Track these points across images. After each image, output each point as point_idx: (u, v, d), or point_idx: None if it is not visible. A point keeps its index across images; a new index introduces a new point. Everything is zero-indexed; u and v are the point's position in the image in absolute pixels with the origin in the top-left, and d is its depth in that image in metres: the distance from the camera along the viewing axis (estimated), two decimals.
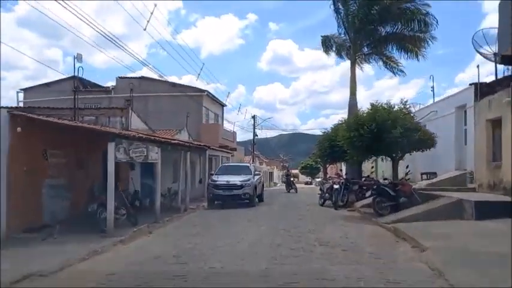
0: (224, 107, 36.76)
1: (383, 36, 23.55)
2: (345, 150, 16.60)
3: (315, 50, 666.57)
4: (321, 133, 22.21)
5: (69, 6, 12.58)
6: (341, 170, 19.80)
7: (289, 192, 29.15)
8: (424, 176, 18.44)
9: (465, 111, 16.21)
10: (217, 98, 33.30)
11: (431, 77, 29.59)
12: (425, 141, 13.85)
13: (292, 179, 32.25)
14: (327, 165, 51.88)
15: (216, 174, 19.11)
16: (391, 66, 24.59)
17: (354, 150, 14.70)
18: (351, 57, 23.85)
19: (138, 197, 16.17)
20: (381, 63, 24.95)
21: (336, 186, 17.31)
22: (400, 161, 15.23)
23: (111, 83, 30.95)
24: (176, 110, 28.81)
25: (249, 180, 18.04)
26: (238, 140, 43.96)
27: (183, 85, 30.19)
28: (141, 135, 12.41)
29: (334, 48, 25.22)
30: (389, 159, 15.04)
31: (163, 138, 14.87)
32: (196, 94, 29.59)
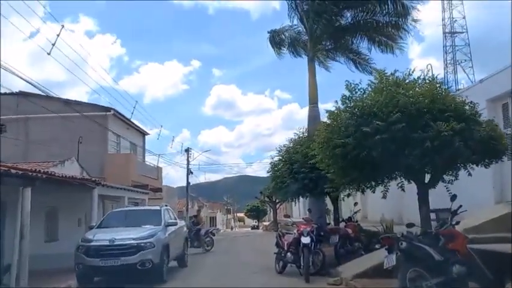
0: (146, 136, 28.76)
1: (347, 25, 17.59)
2: (321, 175, 9.44)
3: (257, 94, 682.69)
4: (271, 164, 14.84)
5: None
6: (309, 211, 12.25)
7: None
8: (433, 215, 11.70)
9: (505, 105, 9.89)
10: (133, 123, 25.30)
11: (429, 66, 23.72)
12: (497, 145, 6.91)
13: (202, 228, 18.42)
14: (278, 206, 44.76)
15: (97, 227, 11.08)
16: (361, 64, 18.56)
17: (346, 172, 7.44)
18: (309, 52, 17.45)
19: None
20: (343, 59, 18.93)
21: (305, 240, 9.92)
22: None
23: None
24: (71, 137, 20.60)
25: (153, 236, 10.16)
26: (182, 184, 35.72)
27: (81, 103, 22.11)
28: None
29: (286, 43, 18.88)
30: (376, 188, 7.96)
31: None
32: (98, 114, 21.51)
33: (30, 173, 8.77)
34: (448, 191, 7.24)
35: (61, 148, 19.81)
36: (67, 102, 21.04)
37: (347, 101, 7.54)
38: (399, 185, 7.81)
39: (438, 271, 6.08)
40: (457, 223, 6.90)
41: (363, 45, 18.13)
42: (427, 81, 7.27)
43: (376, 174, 7.45)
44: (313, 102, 17.07)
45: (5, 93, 20.42)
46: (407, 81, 7.43)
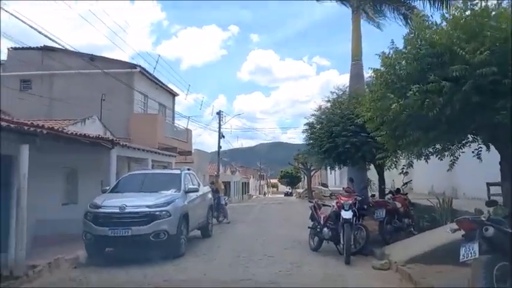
0: (176, 97, 27.56)
1: None
2: (366, 140, 7.75)
3: (295, 60, 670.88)
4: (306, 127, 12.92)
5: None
6: (351, 180, 10.50)
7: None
8: (494, 189, 9.83)
9: None
10: (161, 82, 24.05)
11: None
12: None
13: (221, 195, 17.01)
14: (313, 173, 42.95)
15: (110, 192, 9.94)
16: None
17: (404, 134, 5.69)
18: (353, 1, 15.29)
19: None
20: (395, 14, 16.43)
21: (346, 215, 8.37)
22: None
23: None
24: (97, 95, 19.58)
25: (169, 203, 8.88)
26: (216, 150, 34.92)
27: (106, 59, 20.94)
28: None
29: None
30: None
31: None
32: (124, 71, 20.29)
33: (27, 128, 7.54)
34: None
35: (86, 106, 18.80)
36: (92, 58, 19.90)
37: (413, 41, 5.64)
38: (476, 152, 6.01)
39: None
40: None
41: None
42: None
43: (447, 137, 5.65)
44: (356, 57, 15.09)
45: (30, 48, 19.55)
46: (494, 13, 5.46)
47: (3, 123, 6.95)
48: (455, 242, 5.97)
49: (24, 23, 11.14)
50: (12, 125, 7.15)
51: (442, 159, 6.45)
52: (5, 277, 7.21)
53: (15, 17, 9.60)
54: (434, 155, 6.42)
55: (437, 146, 6.20)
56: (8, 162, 9.97)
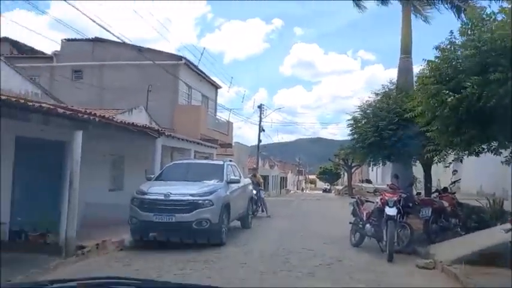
0: (218, 90, 27.84)
1: None
2: (413, 134, 7.53)
3: (339, 54, 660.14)
4: (349, 120, 12.45)
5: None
6: (396, 177, 10.15)
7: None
8: None
9: None
10: (205, 74, 24.38)
11: None
12: None
13: (260, 188, 16.45)
14: (354, 170, 42.15)
15: (155, 180, 10.22)
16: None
17: (459, 130, 5.50)
18: None
19: None
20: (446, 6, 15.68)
21: (390, 212, 8.19)
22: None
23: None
24: (144, 86, 20.13)
25: (212, 192, 9.05)
26: (256, 143, 35.35)
27: (154, 50, 21.41)
28: None
29: None
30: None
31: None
32: (170, 63, 20.70)
33: (81, 115, 7.88)
34: None
35: (133, 97, 19.38)
36: (140, 50, 20.44)
37: (469, 31, 5.42)
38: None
39: None
40: None
41: None
42: None
43: (505, 132, 5.37)
44: (406, 52, 14.61)
45: (81, 39, 20.33)
46: None
47: (60, 110, 7.28)
48: (506, 243, 5.76)
49: (84, 14, 11.61)
50: (67, 112, 7.48)
51: (499, 155, 6.12)
52: (55, 255, 7.57)
53: (74, 6, 9.99)
54: (489, 152, 6.13)
55: (493, 143, 5.92)
56: (62, 148, 10.50)
